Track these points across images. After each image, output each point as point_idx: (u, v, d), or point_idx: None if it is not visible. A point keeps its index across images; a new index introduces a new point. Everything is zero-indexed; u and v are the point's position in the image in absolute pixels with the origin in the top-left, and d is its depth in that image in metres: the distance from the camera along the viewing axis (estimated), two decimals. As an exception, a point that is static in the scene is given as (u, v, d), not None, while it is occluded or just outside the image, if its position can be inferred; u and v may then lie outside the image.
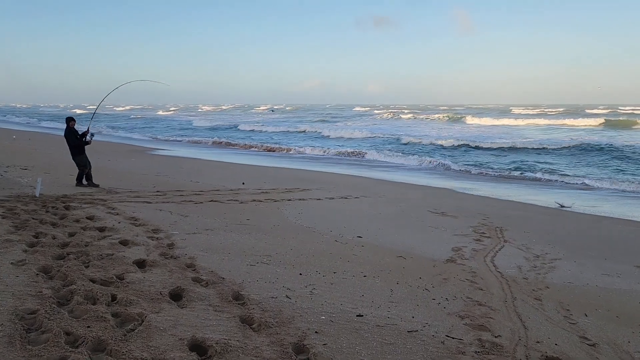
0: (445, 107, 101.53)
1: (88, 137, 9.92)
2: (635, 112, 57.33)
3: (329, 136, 31.52)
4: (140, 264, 4.56)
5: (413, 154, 21.31)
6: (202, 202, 8.57)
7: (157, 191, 9.43)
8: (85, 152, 9.85)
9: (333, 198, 10.02)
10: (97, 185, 9.60)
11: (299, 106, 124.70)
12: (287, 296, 4.12)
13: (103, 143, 25.26)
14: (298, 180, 12.65)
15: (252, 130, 37.08)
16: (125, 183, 10.34)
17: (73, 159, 9.74)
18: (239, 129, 38.69)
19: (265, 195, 9.85)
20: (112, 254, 4.75)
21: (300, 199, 9.65)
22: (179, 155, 19.77)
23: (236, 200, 9.07)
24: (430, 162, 19.04)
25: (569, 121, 42.51)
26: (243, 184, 11.40)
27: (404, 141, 26.13)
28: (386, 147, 24.52)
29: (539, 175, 15.96)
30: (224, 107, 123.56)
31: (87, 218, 6.44)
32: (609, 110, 64.49)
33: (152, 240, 5.62)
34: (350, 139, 29.67)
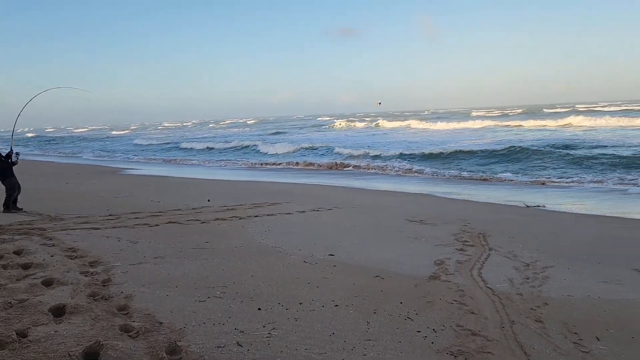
0: (410, 112, 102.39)
1: (14, 157, 8.92)
2: (592, 109, 58.45)
3: (260, 150, 29.70)
4: (58, 312, 3.62)
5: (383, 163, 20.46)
6: (157, 225, 7.61)
7: (110, 215, 8.42)
8: (14, 174, 8.91)
9: (304, 211, 9.17)
10: (20, 209, 8.67)
11: (263, 119, 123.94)
12: (238, 343, 3.25)
13: (68, 165, 23.94)
14: (269, 194, 11.77)
15: (191, 149, 34.49)
16: (77, 207, 9.28)
17: (2, 182, 8.76)
18: (179, 147, 35.92)
19: (230, 213, 8.93)
20: (26, 300, 3.80)
21: (268, 215, 8.77)
22: (149, 174, 18.68)
23: (197, 220, 8.13)
24: (401, 168, 18.42)
25: (527, 123, 40.96)
26: (208, 200, 10.46)
27: (335, 151, 24.91)
28: (311, 159, 23.44)
29: (506, 175, 15.44)
30: (185, 123, 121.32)
31: (14, 252, 5.43)
32: (568, 109, 65.55)
33: (86, 276, 4.67)
34: (283, 153, 27.52)
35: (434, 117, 69.26)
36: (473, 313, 4.05)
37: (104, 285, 4.39)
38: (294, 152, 27.52)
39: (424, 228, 7.72)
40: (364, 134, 40.45)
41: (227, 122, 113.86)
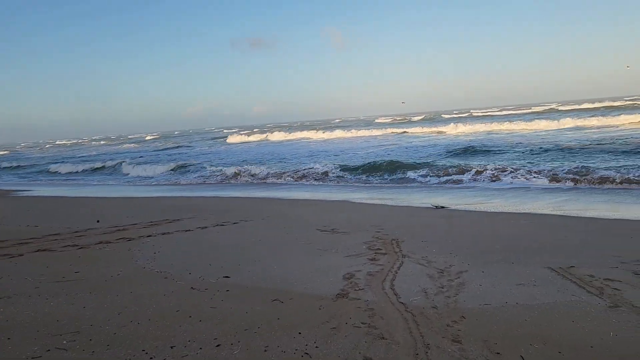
0: (320, 121, 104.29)
1: None
2: (486, 114, 62.73)
3: (123, 172, 26.12)
4: None
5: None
6: (22, 255, 6.25)
7: (-37, 246, 6.86)
8: None
9: (206, 227, 8.16)
10: None
11: (169, 133, 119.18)
12: None
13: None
14: (171, 210, 10.57)
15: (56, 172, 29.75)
16: None
17: None
18: (48, 171, 30.67)
19: (120, 234, 7.70)
20: None
21: (164, 233, 7.67)
22: (41, 196, 16.49)
23: (75, 246, 6.85)
24: (324, 175, 17.82)
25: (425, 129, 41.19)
26: (97, 221, 9.08)
27: (206, 170, 22.39)
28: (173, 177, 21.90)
29: (417, 177, 15.41)
30: (82, 140, 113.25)
31: None
32: (466, 114, 69.67)
33: None
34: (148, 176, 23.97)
35: (343, 125, 70.51)
36: (383, 338, 3.37)
37: None
38: (164, 173, 24.06)
39: (335, 237, 7.05)
40: (245, 147, 38.84)
41: (129, 137, 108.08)
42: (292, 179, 17.53)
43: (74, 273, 5.31)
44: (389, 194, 12.54)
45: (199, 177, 20.85)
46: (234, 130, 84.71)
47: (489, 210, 9.29)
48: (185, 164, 25.55)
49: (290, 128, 68.61)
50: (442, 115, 73.85)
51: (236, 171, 20.00)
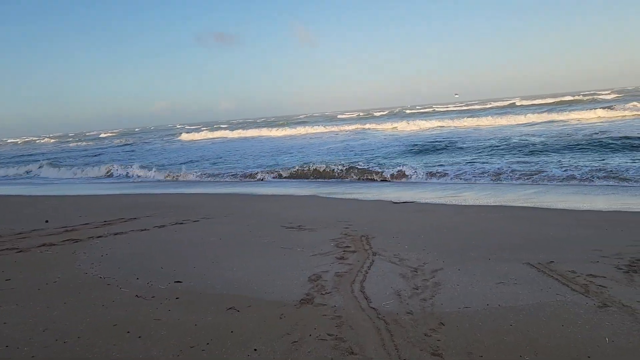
0: (284, 117, 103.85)
1: None
2: (448, 110, 63.32)
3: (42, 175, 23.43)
4: None
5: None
6: (-53, 261, 5.44)
7: None
8: None
9: (164, 225, 7.48)
10: None
11: (128, 130, 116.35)
12: None
13: None
14: (130, 208, 9.78)
15: None
16: None
17: None
18: None
19: (67, 235, 6.94)
20: None
21: (117, 233, 6.95)
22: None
23: (15, 248, 6.07)
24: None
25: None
26: (46, 222, 8.26)
27: (131, 171, 20.33)
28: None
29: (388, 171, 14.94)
30: (36, 138, 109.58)
31: None
32: (429, 110, 70.05)
33: None
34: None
35: (307, 121, 70.14)
36: (353, 353, 2.86)
37: None
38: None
39: (301, 235, 6.51)
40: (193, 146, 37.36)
41: (86, 134, 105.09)
42: (230, 179, 16.63)
43: (5, 281, 4.58)
44: (357, 189, 12.09)
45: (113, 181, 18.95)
46: (193, 127, 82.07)
47: (459, 204, 8.93)
48: (113, 166, 22.63)
49: (255, 124, 67.47)
50: (405, 111, 74.06)
51: (166, 175, 18.55)
